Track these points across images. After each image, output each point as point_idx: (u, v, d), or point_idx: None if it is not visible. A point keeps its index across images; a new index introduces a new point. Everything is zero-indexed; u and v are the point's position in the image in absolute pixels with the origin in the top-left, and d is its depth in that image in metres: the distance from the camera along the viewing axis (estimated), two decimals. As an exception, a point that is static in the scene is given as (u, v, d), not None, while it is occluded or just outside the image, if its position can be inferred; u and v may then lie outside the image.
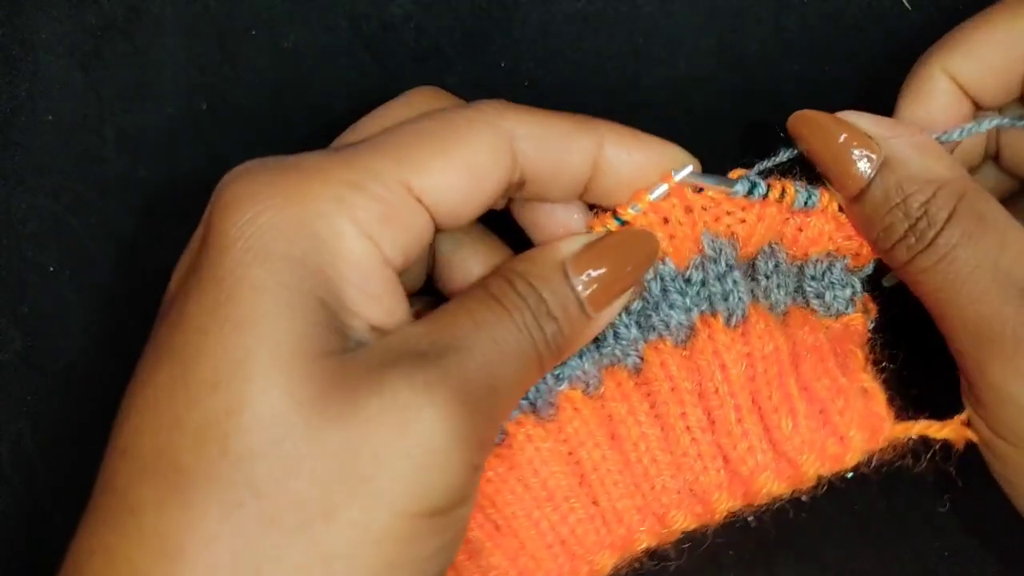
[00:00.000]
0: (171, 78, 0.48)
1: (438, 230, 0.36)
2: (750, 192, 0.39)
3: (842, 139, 0.38)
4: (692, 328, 0.39)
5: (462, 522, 0.35)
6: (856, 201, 0.38)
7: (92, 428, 0.50)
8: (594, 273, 0.37)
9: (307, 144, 0.49)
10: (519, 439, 0.39)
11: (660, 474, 0.39)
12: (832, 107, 0.42)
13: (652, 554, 0.42)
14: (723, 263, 0.39)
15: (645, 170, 0.38)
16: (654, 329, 0.40)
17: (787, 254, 0.41)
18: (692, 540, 0.42)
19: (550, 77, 0.48)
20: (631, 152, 0.38)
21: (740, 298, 0.39)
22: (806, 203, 0.39)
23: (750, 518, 0.42)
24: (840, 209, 0.40)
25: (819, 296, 0.41)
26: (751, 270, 0.41)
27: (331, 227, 0.33)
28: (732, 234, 0.40)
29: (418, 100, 0.39)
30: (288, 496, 0.30)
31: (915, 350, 0.41)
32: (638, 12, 0.48)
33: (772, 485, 0.39)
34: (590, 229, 0.39)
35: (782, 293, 0.41)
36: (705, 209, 0.39)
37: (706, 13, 0.47)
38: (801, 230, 0.40)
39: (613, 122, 0.38)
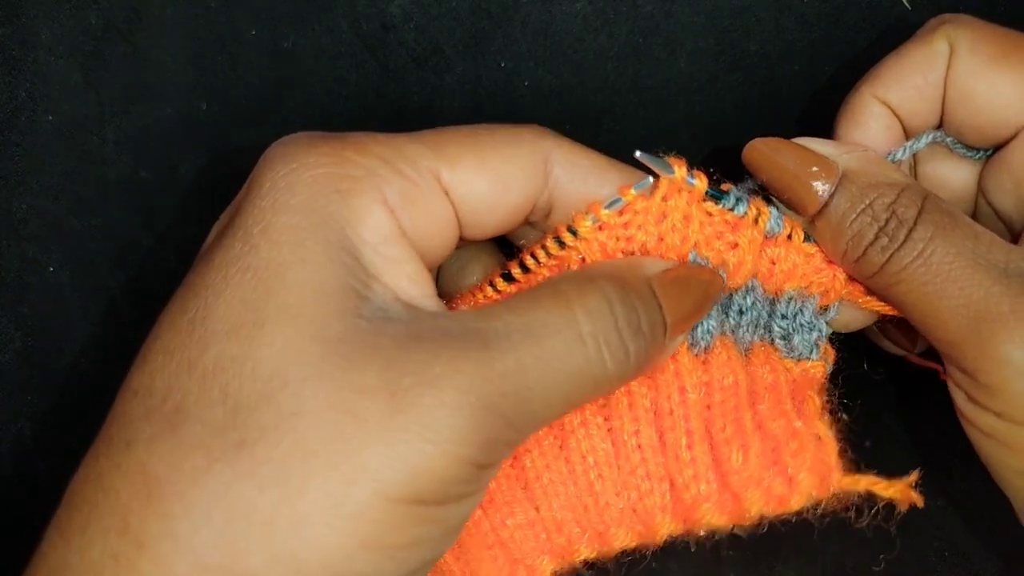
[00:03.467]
0: (171, 78, 0.48)
1: (460, 238, 0.37)
2: (734, 206, 0.39)
3: (797, 162, 0.39)
4: None
5: (455, 520, 0.33)
6: (819, 218, 0.39)
7: (92, 428, 0.50)
8: (674, 299, 0.37)
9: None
10: None
11: (605, 490, 0.39)
12: (832, 108, 0.42)
13: (652, 554, 0.42)
14: None
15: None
16: None
17: (763, 289, 0.41)
18: (692, 539, 0.42)
19: (550, 77, 0.48)
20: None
21: (709, 329, 0.39)
22: (777, 228, 0.39)
23: (691, 545, 0.41)
24: (804, 239, 0.40)
25: (785, 338, 0.41)
26: (727, 300, 0.40)
27: (357, 190, 0.34)
28: (723, 262, 0.39)
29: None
30: (272, 449, 0.30)
31: (871, 403, 0.42)
32: (638, 12, 0.48)
33: (712, 517, 0.39)
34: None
35: (750, 330, 0.41)
36: (701, 225, 0.39)
37: (706, 13, 0.47)
38: (774, 263, 0.40)
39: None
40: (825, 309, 0.42)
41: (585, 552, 0.40)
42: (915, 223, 0.37)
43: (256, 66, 0.48)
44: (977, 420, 0.38)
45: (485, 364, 0.32)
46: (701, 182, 0.38)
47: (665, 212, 0.38)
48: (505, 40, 0.48)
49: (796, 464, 0.38)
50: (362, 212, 0.34)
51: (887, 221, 0.38)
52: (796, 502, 0.38)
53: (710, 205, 0.39)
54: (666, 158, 0.38)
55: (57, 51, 0.48)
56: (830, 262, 0.40)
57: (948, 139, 0.42)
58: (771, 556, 0.49)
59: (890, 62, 0.41)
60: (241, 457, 0.30)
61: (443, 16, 0.48)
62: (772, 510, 0.39)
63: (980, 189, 0.43)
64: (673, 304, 0.37)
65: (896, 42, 0.47)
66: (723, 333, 0.40)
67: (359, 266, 0.33)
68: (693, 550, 0.42)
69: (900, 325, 0.43)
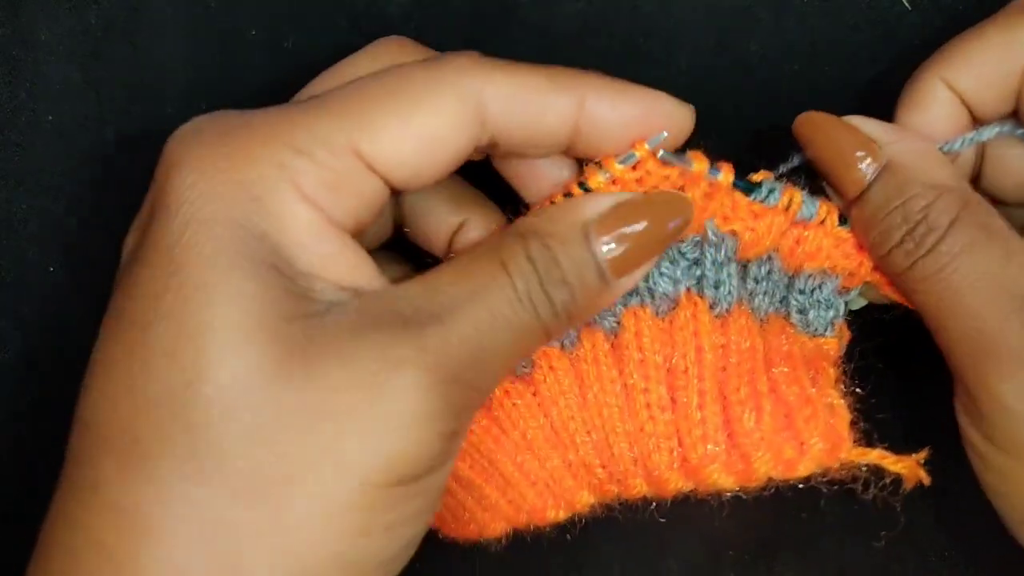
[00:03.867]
0: (171, 78, 0.48)
1: (396, 192, 0.35)
2: (765, 198, 0.39)
3: (844, 142, 0.38)
4: (675, 301, 0.39)
5: (436, 486, 0.34)
6: (856, 204, 0.38)
7: (92, 428, 0.50)
8: (621, 235, 0.35)
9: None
10: (498, 395, 0.40)
11: (618, 442, 0.39)
12: (832, 108, 0.42)
13: (652, 554, 0.42)
14: (723, 253, 0.39)
15: (632, 125, 0.37)
16: (637, 294, 0.39)
17: (781, 264, 0.41)
18: (691, 538, 0.42)
19: (550, 77, 0.48)
20: (615, 107, 0.36)
21: (730, 291, 0.39)
22: (809, 215, 0.39)
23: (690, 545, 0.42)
24: (841, 220, 0.40)
25: (802, 311, 0.41)
26: (742, 271, 0.41)
27: (272, 192, 0.32)
28: (736, 235, 0.40)
29: (383, 53, 0.38)
30: (248, 465, 0.30)
31: (887, 378, 0.42)
32: (638, 12, 0.48)
33: (720, 477, 0.39)
34: (612, 185, 0.37)
35: (767, 300, 0.41)
36: (722, 205, 0.39)
37: (706, 13, 0.47)
38: (799, 243, 0.40)
39: (597, 74, 0.37)
40: (846, 290, 0.42)
41: (615, 490, 0.40)
42: (945, 233, 0.36)
43: (256, 66, 0.48)
44: (971, 436, 0.38)
45: (442, 338, 0.32)
46: (727, 175, 0.38)
47: (684, 186, 0.38)
48: (505, 40, 0.48)
49: (808, 430, 0.38)
50: (283, 215, 0.32)
51: (917, 225, 0.36)
52: (804, 467, 0.39)
53: (738, 196, 0.39)
54: (688, 153, 0.38)
55: (57, 51, 0.48)
56: (860, 248, 0.40)
57: (1019, 131, 0.40)
58: (770, 557, 0.49)
59: (963, 44, 0.39)
60: (217, 480, 0.30)
61: (443, 16, 0.48)
62: (780, 474, 0.39)
63: None
64: (617, 246, 0.35)
65: (896, 42, 0.46)
66: (740, 300, 0.40)
67: (293, 269, 0.32)
68: (692, 551, 0.42)
69: None
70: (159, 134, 0.49)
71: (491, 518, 0.41)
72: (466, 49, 0.45)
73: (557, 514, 0.41)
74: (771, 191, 0.39)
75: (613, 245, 0.35)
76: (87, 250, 0.49)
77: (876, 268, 0.40)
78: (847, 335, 0.42)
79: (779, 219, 0.39)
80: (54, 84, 0.48)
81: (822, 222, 0.40)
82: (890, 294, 0.40)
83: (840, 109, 0.43)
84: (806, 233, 0.40)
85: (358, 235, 0.35)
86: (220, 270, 0.31)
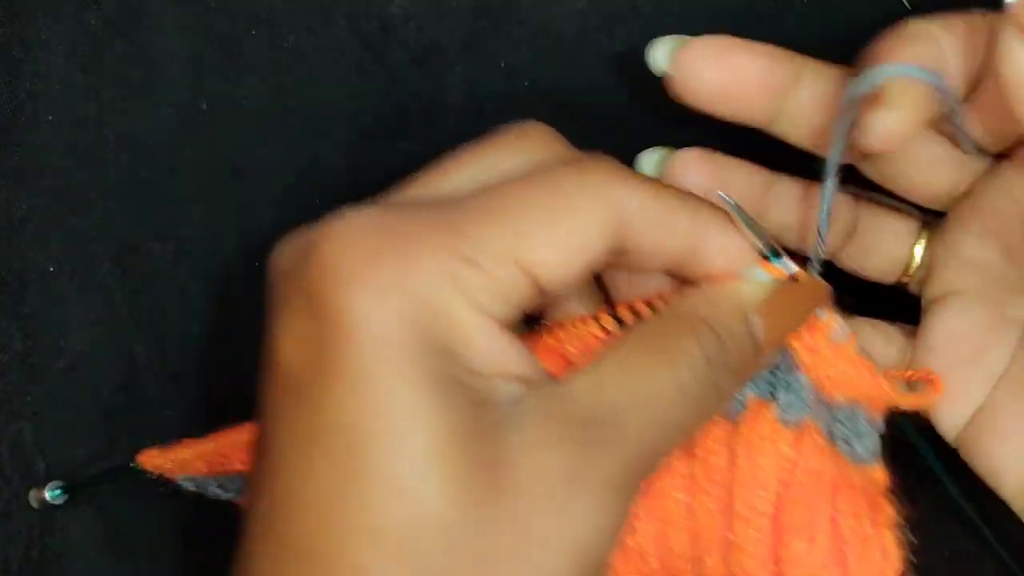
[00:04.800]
0: (171, 78, 0.48)
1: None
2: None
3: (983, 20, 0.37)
4: (744, 404, 0.38)
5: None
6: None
7: (92, 428, 0.50)
8: (771, 321, 0.36)
9: (308, 144, 0.50)
10: None
11: (679, 538, 0.38)
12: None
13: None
14: (788, 362, 0.38)
15: (738, 262, 0.37)
16: None
17: (816, 391, 0.39)
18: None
19: (550, 77, 0.48)
20: (729, 243, 0.37)
21: (802, 398, 0.38)
22: (838, 339, 0.38)
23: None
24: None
25: (847, 441, 0.39)
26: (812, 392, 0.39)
27: (449, 304, 0.32)
28: (794, 349, 0.38)
29: (527, 145, 0.38)
30: None
31: None
32: (638, 12, 0.48)
33: None
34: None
35: (822, 425, 0.38)
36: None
37: (706, 13, 0.47)
38: (829, 377, 0.39)
39: (717, 207, 0.37)
40: (875, 421, 0.40)
41: None
42: None
43: (256, 66, 0.48)
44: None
45: (622, 452, 0.33)
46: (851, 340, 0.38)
47: None
48: (505, 40, 0.48)
49: (859, 570, 0.37)
50: (461, 326, 0.32)
51: None
52: None
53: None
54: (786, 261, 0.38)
55: (57, 51, 0.48)
56: (872, 373, 0.39)
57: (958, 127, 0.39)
58: (771, 556, 0.49)
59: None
60: None
61: (443, 16, 0.48)
62: None
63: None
64: (770, 326, 0.36)
65: (896, 42, 0.46)
66: (812, 415, 0.38)
67: (473, 375, 0.32)
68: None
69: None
70: (159, 134, 0.49)
71: None
72: (465, 49, 0.45)
73: None
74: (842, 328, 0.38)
75: (765, 326, 0.36)
76: (87, 250, 0.49)
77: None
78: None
79: (823, 340, 0.38)
80: (54, 84, 0.48)
81: (843, 347, 0.38)
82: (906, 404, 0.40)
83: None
84: (835, 360, 0.38)
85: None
86: (417, 394, 0.31)
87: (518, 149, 0.37)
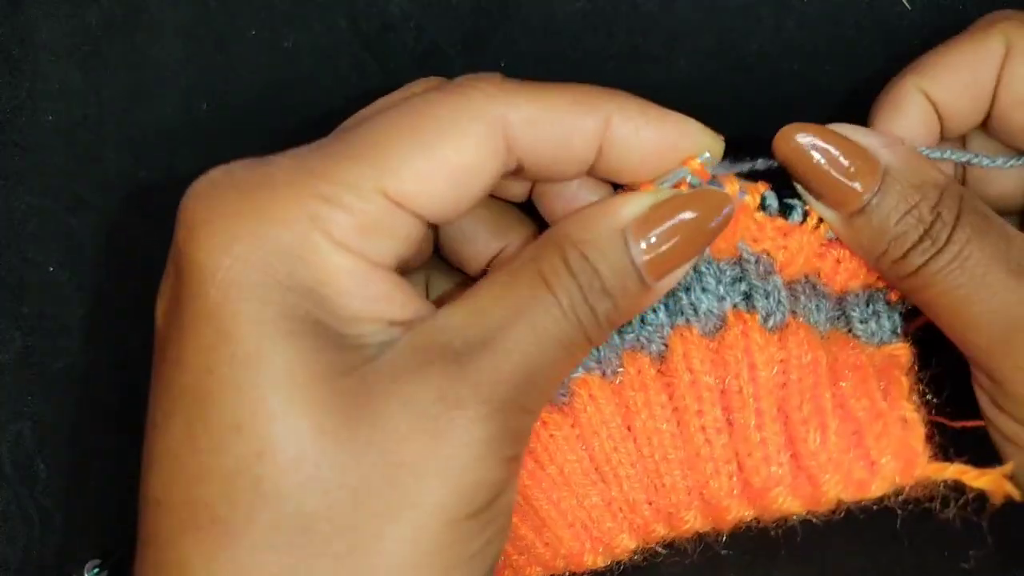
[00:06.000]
0: (171, 78, 0.48)
1: (432, 225, 0.35)
2: (789, 215, 0.38)
3: (834, 156, 0.37)
4: (723, 319, 0.38)
5: (507, 509, 0.34)
6: (859, 215, 0.37)
7: (92, 428, 0.50)
8: (657, 238, 0.34)
9: (307, 144, 0.49)
10: (535, 426, 0.37)
11: (671, 472, 0.38)
12: (832, 108, 0.42)
13: (650, 554, 0.42)
14: (763, 267, 0.38)
15: (657, 150, 0.36)
16: (682, 313, 0.38)
17: (825, 286, 0.39)
18: (691, 538, 0.42)
19: (550, 77, 0.48)
20: (640, 130, 0.35)
21: (780, 301, 0.38)
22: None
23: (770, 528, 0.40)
24: (817, 226, 0.38)
25: (863, 322, 0.39)
26: (788, 289, 0.39)
27: (308, 246, 0.32)
28: (769, 254, 0.38)
29: (415, 85, 0.38)
30: (334, 525, 0.30)
31: (960, 388, 0.40)
32: (638, 12, 0.48)
33: (786, 502, 0.37)
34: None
35: (822, 316, 0.39)
36: (748, 229, 0.38)
37: (706, 13, 0.47)
38: (840, 263, 0.39)
39: (621, 95, 0.36)
40: (897, 302, 0.40)
41: (662, 531, 0.39)
42: (955, 226, 0.36)
43: (256, 66, 0.48)
44: (1001, 425, 0.37)
45: (494, 368, 0.32)
46: (753, 198, 0.38)
47: None
48: (505, 40, 0.48)
49: (879, 447, 0.37)
50: (323, 268, 0.32)
51: (932, 223, 0.36)
52: (877, 488, 0.37)
53: (761, 216, 0.38)
54: (719, 176, 0.37)
55: (57, 51, 0.48)
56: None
57: (1000, 161, 0.40)
58: (770, 557, 0.49)
59: (939, 56, 0.39)
60: (305, 546, 0.30)
61: (443, 16, 0.48)
62: (851, 495, 0.37)
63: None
64: (655, 246, 0.34)
65: (896, 42, 0.46)
66: (794, 311, 0.38)
67: (340, 318, 0.32)
68: (691, 553, 0.42)
69: None
70: (159, 134, 0.49)
71: (527, 562, 0.40)
72: (465, 49, 0.45)
73: (595, 559, 0.39)
74: (792, 209, 0.38)
75: (651, 244, 0.34)
76: (87, 250, 0.49)
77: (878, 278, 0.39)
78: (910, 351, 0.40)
79: (807, 237, 0.38)
80: (54, 84, 0.48)
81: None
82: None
83: (840, 109, 0.43)
84: (845, 252, 0.39)
85: (402, 267, 0.35)
86: (270, 335, 0.31)
87: (404, 90, 0.37)
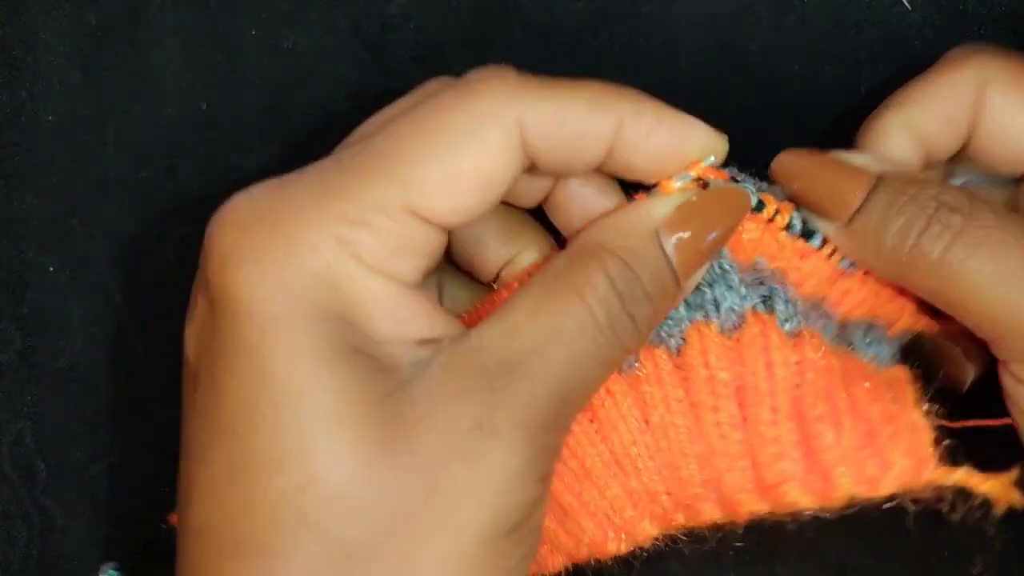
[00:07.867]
0: (171, 78, 0.48)
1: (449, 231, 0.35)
2: (810, 239, 0.38)
3: (830, 169, 0.37)
4: (742, 317, 0.38)
5: (538, 523, 0.34)
6: (856, 219, 0.37)
7: (92, 428, 0.50)
8: (687, 236, 0.35)
9: (307, 144, 0.49)
10: None
11: (688, 465, 0.38)
12: (832, 108, 0.42)
13: (650, 554, 0.42)
14: (777, 280, 0.38)
15: (666, 153, 0.36)
16: (702, 308, 0.38)
17: (831, 312, 0.40)
18: (691, 540, 0.42)
19: (550, 77, 0.48)
20: (650, 133, 0.35)
21: (797, 310, 0.38)
22: (848, 266, 0.39)
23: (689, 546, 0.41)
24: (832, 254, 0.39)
25: (865, 345, 0.40)
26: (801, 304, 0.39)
27: (341, 271, 0.31)
28: (783, 272, 0.39)
29: (427, 86, 0.38)
30: (375, 552, 0.31)
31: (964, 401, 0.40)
32: (638, 12, 0.48)
33: (798, 496, 0.37)
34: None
35: (828, 335, 0.39)
36: (769, 246, 0.38)
37: (706, 13, 0.47)
38: (846, 295, 0.39)
39: (635, 95, 0.36)
40: (894, 337, 0.41)
41: (681, 520, 0.39)
42: (971, 211, 0.35)
43: (256, 66, 0.48)
44: None
45: (531, 393, 0.32)
46: (783, 217, 0.38)
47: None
48: (505, 40, 0.48)
49: (891, 447, 0.37)
50: (355, 293, 0.32)
51: (936, 210, 0.35)
52: (888, 486, 0.37)
53: (783, 235, 0.38)
54: (740, 178, 0.37)
55: (57, 51, 0.48)
56: (898, 294, 0.39)
57: (985, 180, 0.41)
58: (771, 557, 0.49)
59: (917, 90, 0.40)
60: (350, 571, 0.31)
61: (443, 16, 0.48)
62: (863, 492, 0.37)
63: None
64: (685, 247, 0.35)
65: (896, 42, 0.46)
66: (809, 320, 0.38)
67: (373, 342, 0.32)
68: (691, 552, 0.42)
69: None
70: (159, 134, 0.49)
71: (549, 551, 0.40)
72: (465, 49, 0.45)
73: (619, 546, 0.39)
74: (814, 234, 0.38)
75: (683, 242, 0.35)
76: (87, 250, 0.49)
77: (901, 294, 0.40)
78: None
79: (822, 264, 0.38)
80: (54, 84, 0.48)
81: (865, 273, 0.39)
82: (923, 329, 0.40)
83: (840, 109, 0.43)
84: (851, 283, 0.39)
85: (423, 281, 0.35)
86: (308, 369, 0.31)
87: (417, 92, 0.37)
